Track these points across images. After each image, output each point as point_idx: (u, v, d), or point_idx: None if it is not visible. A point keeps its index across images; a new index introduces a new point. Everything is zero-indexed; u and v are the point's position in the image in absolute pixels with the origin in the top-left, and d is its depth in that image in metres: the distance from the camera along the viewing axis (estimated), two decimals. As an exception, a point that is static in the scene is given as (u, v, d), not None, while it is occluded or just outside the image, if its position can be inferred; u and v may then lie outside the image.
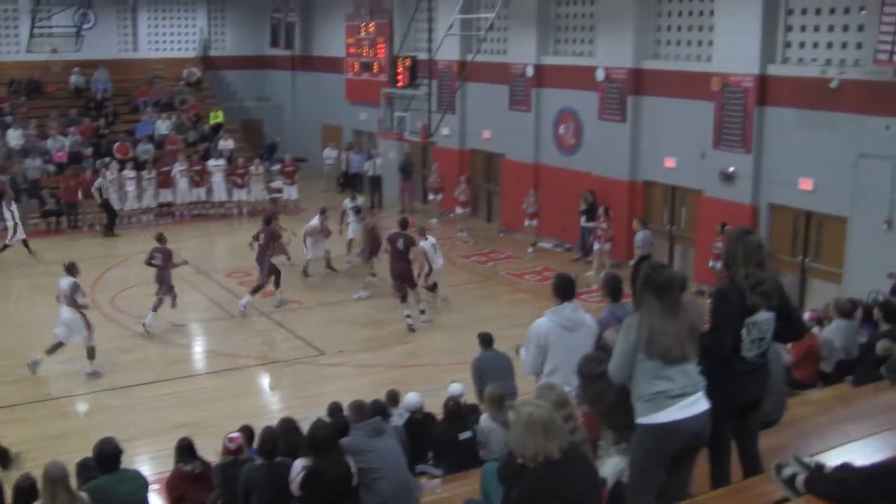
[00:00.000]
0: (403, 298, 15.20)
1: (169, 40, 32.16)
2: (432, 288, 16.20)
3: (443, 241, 21.54)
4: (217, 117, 28.42)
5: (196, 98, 29.39)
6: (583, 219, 19.17)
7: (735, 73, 16.20)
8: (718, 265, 14.91)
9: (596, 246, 18.45)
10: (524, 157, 21.78)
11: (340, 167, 28.76)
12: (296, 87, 33.13)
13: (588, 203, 19.01)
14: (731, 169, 16.33)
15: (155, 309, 14.95)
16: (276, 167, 26.16)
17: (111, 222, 22.70)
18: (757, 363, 5.38)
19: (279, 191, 25.47)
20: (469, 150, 24.21)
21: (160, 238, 15.29)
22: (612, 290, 7.31)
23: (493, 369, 9.56)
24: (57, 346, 13.02)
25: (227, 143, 26.78)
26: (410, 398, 9.04)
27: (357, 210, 18.83)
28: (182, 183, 24.40)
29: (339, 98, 29.78)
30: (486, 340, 9.99)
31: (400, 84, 20.23)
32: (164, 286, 14.98)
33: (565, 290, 7.13)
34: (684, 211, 18.10)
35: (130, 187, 23.67)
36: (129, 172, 23.75)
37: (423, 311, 15.43)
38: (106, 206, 22.71)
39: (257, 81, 34.14)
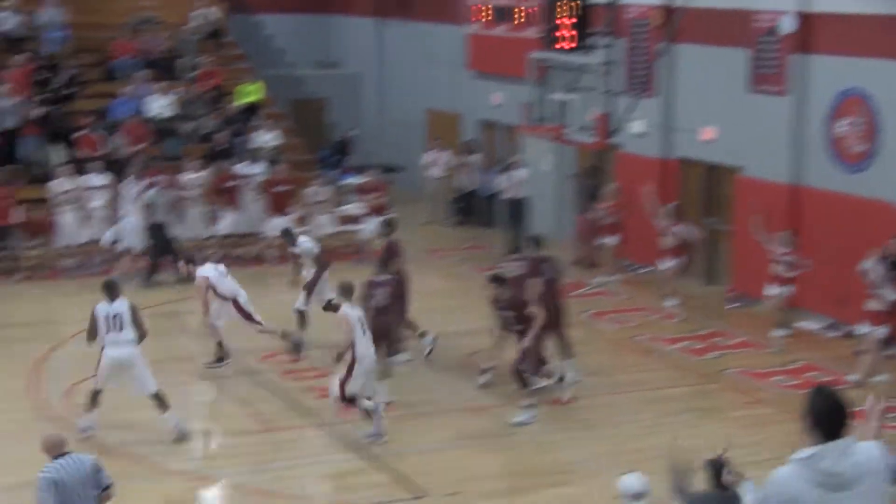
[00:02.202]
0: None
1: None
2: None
3: (621, 314, 21.93)
4: (251, 93, 29.46)
5: (215, 60, 30.43)
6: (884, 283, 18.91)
7: None
8: None
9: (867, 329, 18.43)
10: (775, 175, 21.87)
11: (455, 183, 29.53)
12: (384, 45, 34.11)
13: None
14: None
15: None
16: (349, 179, 27.04)
17: (156, 262, 23.80)
18: None
19: (354, 220, 26.10)
20: (678, 159, 24.42)
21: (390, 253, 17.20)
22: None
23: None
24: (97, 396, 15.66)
25: (266, 138, 27.85)
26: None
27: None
28: (192, 203, 25.45)
29: (456, 67, 30.57)
30: (715, 469, 10.00)
31: (561, 46, 20.79)
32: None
33: (828, 420, 6.81)
34: None
35: (97, 202, 24.59)
36: (96, 178, 24.66)
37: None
38: (156, 232, 23.88)
39: (319, 35, 35.33)
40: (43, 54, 28.98)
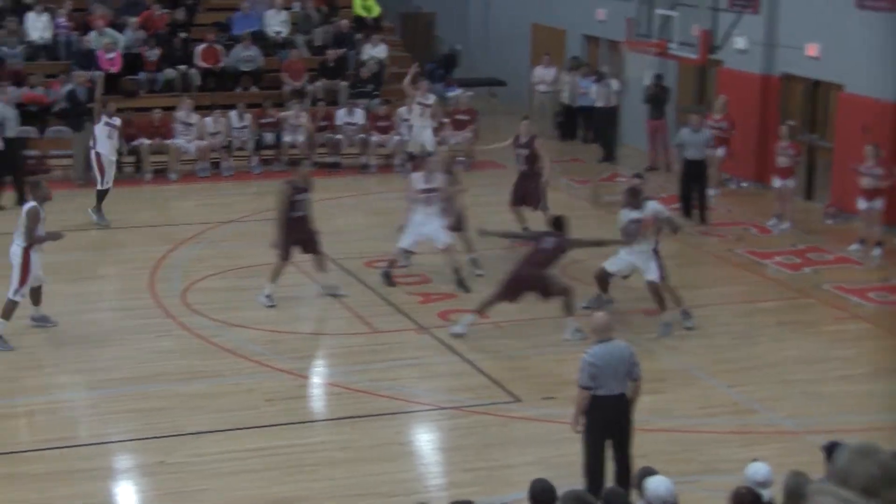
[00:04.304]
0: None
1: None
2: None
3: (721, 227, 21.67)
4: (369, 8, 29.45)
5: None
6: None
7: None
8: None
9: None
10: (879, 91, 21.47)
11: (560, 97, 29.38)
12: (490, -40, 33.93)
13: None
14: None
15: None
16: (455, 93, 27.09)
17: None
18: None
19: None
20: (780, 75, 24.07)
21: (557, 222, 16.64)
22: None
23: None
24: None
25: (375, 50, 27.89)
26: (657, 487, 9.01)
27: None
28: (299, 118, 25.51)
29: (562, -19, 30.31)
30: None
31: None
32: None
33: None
34: None
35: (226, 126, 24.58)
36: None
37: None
38: None
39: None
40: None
